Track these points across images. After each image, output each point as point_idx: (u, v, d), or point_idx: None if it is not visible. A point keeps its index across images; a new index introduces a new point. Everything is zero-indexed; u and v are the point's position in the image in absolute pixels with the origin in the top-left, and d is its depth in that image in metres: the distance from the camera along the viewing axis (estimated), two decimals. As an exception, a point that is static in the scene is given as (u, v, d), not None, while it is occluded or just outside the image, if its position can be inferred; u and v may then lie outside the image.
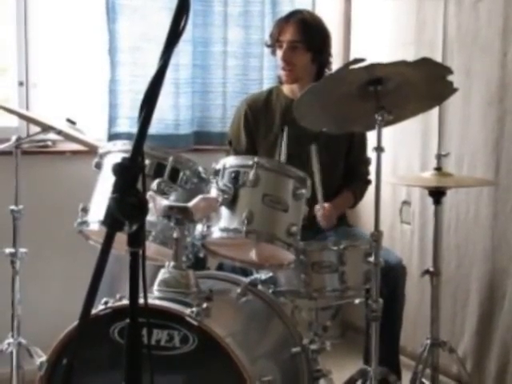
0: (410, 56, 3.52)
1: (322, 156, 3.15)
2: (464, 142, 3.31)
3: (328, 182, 3.15)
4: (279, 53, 3.16)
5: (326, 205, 2.94)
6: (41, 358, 2.81)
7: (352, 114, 2.66)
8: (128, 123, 3.73)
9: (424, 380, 2.84)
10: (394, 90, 2.50)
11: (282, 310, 2.52)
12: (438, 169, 2.78)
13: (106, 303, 2.12)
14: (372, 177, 3.02)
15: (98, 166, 2.42)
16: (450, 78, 2.52)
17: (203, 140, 3.95)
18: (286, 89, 3.26)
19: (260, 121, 3.23)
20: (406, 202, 3.71)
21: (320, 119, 2.73)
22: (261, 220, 2.28)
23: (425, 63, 2.42)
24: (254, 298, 2.49)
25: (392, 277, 2.87)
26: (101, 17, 3.65)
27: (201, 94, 3.93)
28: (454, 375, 3.27)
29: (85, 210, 2.37)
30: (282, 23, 3.19)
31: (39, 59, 3.69)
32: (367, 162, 3.26)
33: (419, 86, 2.53)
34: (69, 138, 3.08)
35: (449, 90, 2.58)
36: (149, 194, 2.18)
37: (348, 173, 3.29)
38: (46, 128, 2.99)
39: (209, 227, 2.30)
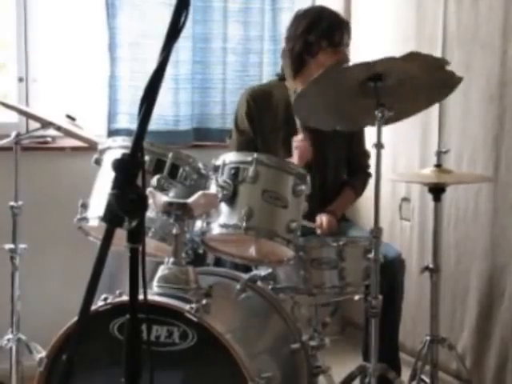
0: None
1: (327, 150, 3.17)
2: (464, 139, 3.31)
3: (333, 176, 3.18)
4: (332, 55, 3.10)
5: (325, 218, 2.98)
6: (40, 353, 2.79)
7: (355, 111, 2.65)
8: (128, 119, 3.73)
9: (423, 376, 2.84)
10: (396, 86, 2.49)
11: (281, 306, 2.52)
12: (438, 165, 2.78)
13: (105, 299, 2.12)
14: (372, 173, 3.02)
15: (98, 162, 2.42)
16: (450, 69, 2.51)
17: (203, 136, 3.95)
18: (289, 83, 3.25)
19: (263, 112, 3.19)
20: (405, 199, 3.71)
21: (323, 117, 2.73)
22: (260, 216, 2.28)
23: (413, 57, 2.40)
24: (253, 294, 2.49)
25: (391, 270, 2.87)
26: (101, 12, 3.65)
27: (200, 90, 3.93)
28: (454, 372, 3.27)
29: (84, 206, 2.37)
30: (345, 25, 3.16)
31: (39, 55, 3.69)
32: (366, 154, 3.27)
33: (421, 79, 2.52)
34: (68, 133, 3.08)
35: (453, 79, 2.56)
36: (148, 190, 2.18)
37: (348, 166, 3.30)
38: (46, 124, 2.99)
39: (208, 223, 2.30)
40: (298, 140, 3.02)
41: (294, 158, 2.99)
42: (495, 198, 3.14)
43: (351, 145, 3.27)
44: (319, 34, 3.10)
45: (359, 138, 3.29)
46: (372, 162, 2.86)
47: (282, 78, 3.26)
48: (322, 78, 2.50)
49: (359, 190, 3.29)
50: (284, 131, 3.16)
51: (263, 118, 3.19)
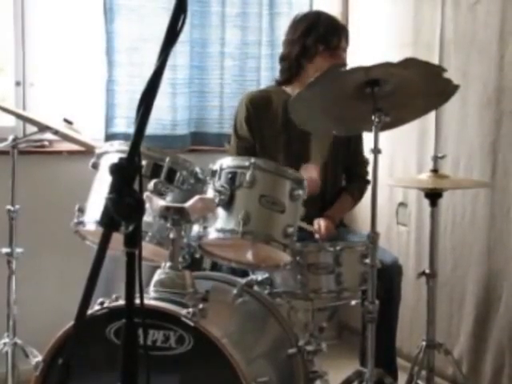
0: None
1: (325, 156, 3.17)
2: (461, 144, 3.31)
3: (332, 183, 3.18)
4: (330, 58, 3.11)
5: (323, 223, 2.97)
6: (36, 358, 2.81)
7: (352, 116, 2.66)
8: (125, 123, 3.72)
9: (420, 382, 2.84)
10: (393, 92, 2.50)
11: (278, 310, 2.52)
12: (435, 171, 2.78)
13: (102, 303, 2.12)
14: (370, 180, 3.03)
15: (95, 166, 2.42)
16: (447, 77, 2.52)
17: (200, 141, 3.95)
18: (287, 87, 3.25)
19: (262, 117, 3.19)
20: (402, 204, 3.71)
21: (320, 121, 2.73)
22: (257, 221, 2.28)
23: (410, 63, 2.41)
24: (250, 298, 2.49)
25: (388, 276, 2.87)
26: (98, 17, 3.66)
27: (198, 94, 3.93)
28: (450, 377, 3.27)
29: (81, 210, 2.37)
30: (342, 29, 3.19)
31: (36, 59, 3.68)
32: (365, 162, 3.27)
33: (418, 86, 2.53)
34: (66, 137, 3.08)
35: (450, 87, 2.57)
36: (145, 194, 2.18)
37: (347, 174, 3.31)
38: (43, 128, 2.99)
39: (205, 228, 2.30)
40: (310, 175, 2.97)
41: None
42: (492, 204, 3.14)
43: (350, 152, 3.27)
44: (316, 37, 3.11)
45: (358, 146, 3.29)
46: (369, 167, 2.87)
47: (279, 83, 3.27)
48: (319, 81, 2.50)
49: (357, 196, 3.29)
50: (283, 136, 3.16)
51: (262, 123, 3.18)
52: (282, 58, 3.25)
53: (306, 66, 3.15)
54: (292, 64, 3.18)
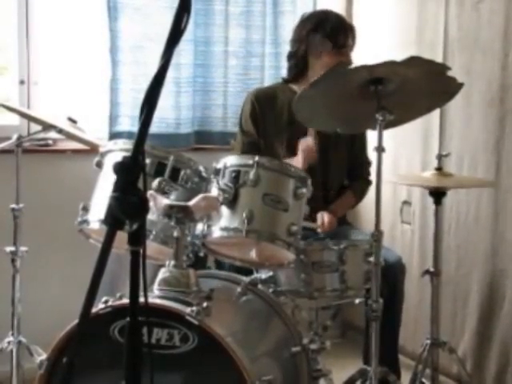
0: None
1: (329, 154, 3.17)
2: (465, 143, 3.31)
3: (335, 180, 3.18)
4: (336, 56, 3.11)
5: (326, 217, 2.97)
6: (41, 356, 2.79)
7: (356, 114, 2.66)
8: (129, 122, 3.73)
9: (424, 380, 2.84)
10: (397, 91, 2.50)
11: (282, 309, 2.52)
12: (439, 169, 2.78)
13: (106, 302, 2.12)
14: (373, 176, 3.03)
15: (99, 164, 2.42)
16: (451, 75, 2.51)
17: (204, 139, 3.95)
18: (294, 85, 3.25)
19: (267, 114, 3.19)
20: (406, 202, 3.71)
21: (324, 119, 2.73)
22: (261, 219, 2.28)
23: (414, 62, 2.41)
24: (254, 297, 2.49)
25: (391, 275, 2.87)
26: (102, 15, 3.66)
27: (202, 93, 3.93)
28: (454, 375, 3.27)
29: (85, 209, 2.37)
30: (349, 27, 3.18)
31: (40, 58, 3.69)
32: (368, 163, 3.28)
33: (421, 84, 2.53)
34: (70, 136, 3.09)
35: (454, 85, 2.57)
36: (149, 192, 2.18)
37: (349, 173, 3.31)
38: (47, 126, 2.99)
39: (209, 226, 2.30)
40: (306, 144, 3.02)
41: (298, 160, 2.99)
42: (496, 202, 3.14)
43: (353, 152, 3.27)
44: (323, 35, 3.12)
45: (362, 146, 3.29)
46: (373, 165, 2.86)
47: (286, 80, 3.27)
48: (323, 79, 2.50)
49: (359, 195, 3.29)
50: (288, 133, 3.16)
51: (267, 120, 3.19)
52: (290, 56, 3.25)
53: (312, 63, 3.16)
54: (299, 62, 3.19)
